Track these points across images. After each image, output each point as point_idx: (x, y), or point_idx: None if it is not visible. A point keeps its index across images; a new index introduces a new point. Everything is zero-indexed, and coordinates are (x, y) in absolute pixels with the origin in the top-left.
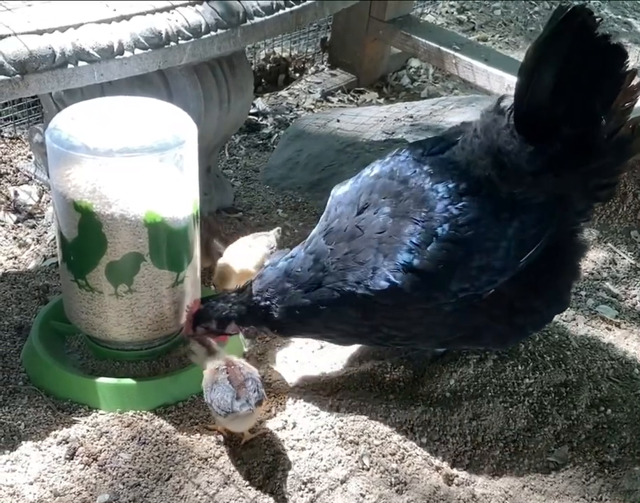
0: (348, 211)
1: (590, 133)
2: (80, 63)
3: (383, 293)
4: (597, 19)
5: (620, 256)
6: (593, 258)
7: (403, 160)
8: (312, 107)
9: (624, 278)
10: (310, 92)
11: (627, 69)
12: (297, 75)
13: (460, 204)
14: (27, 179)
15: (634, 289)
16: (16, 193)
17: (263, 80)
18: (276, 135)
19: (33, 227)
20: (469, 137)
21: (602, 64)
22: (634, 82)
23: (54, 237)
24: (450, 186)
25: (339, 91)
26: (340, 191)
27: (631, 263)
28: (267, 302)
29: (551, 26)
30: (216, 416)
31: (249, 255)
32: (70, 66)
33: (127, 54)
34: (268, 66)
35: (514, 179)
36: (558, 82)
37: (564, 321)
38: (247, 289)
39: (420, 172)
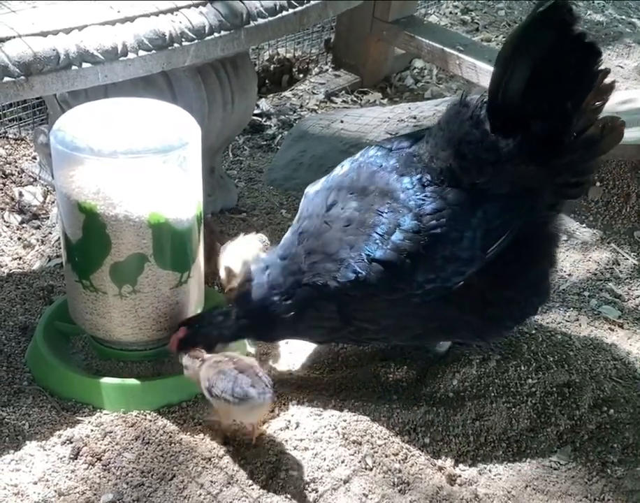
0: (318, 209)
1: (560, 130)
2: (84, 65)
3: (350, 285)
4: (576, 16)
5: (623, 256)
6: (596, 259)
7: (371, 156)
8: (316, 107)
9: (627, 279)
10: (314, 93)
11: (600, 68)
12: (301, 75)
13: (422, 195)
14: (32, 180)
15: (637, 290)
16: (21, 194)
17: (266, 81)
18: (280, 135)
19: (38, 228)
20: (433, 131)
21: (577, 61)
22: (606, 81)
23: (59, 238)
24: (413, 178)
25: (343, 91)
26: (312, 190)
27: (634, 264)
28: (255, 321)
29: (530, 18)
30: (228, 407)
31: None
32: (74, 67)
33: (131, 55)
34: (272, 66)
35: (475, 170)
36: (532, 75)
37: (567, 321)
38: (232, 312)
39: (386, 166)
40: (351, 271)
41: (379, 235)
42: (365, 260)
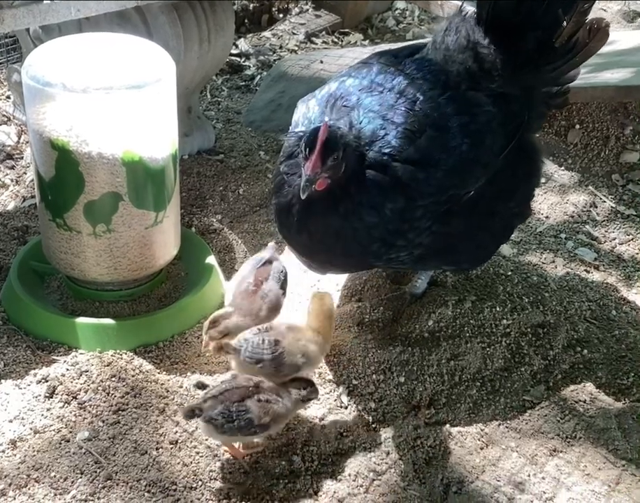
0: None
1: (553, 34)
2: None
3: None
4: None
5: (600, 199)
6: (574, 201)
7: (374, 63)
8: (296, 48)
9: (604, 221)
10: (294, 33)
11: None
12: (281, 15)
13: (445, 95)
14: (5, 119)
15: (613, 232)
16: None
17: (245, 21)
18: (259, 76)
19: (12, 168)
20: (439, 38)
21: None
22: None
23: (33, 179)
24: (432, 79)
25: (324, 32)
26: (309, 103)
27: (611, 206)
28: None
29: None
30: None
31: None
32: (46, 1)
33: None
34: (251, 5)
35: (495, 71)
36: None
37: (543, 263)
38: None
39: (396, 71)
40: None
41: (407, 130)
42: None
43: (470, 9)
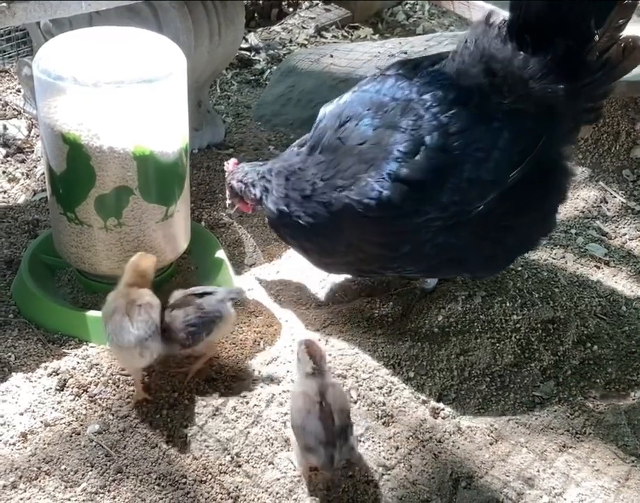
0: (331, 124)
1: (583, 47)
2: None
3: (370, 206)
4: None
5: (611, 194)
6: (584, 197)
7: (391, 75)
8: (306, 42)
9: (614, 217)
10: (304, 27)
11: None
12: (291, 9)
13: (449, 113)
14: (16, 113)
15: (623, 228)
16: (5, 128)
17: (255, 15)
18: (268, 70)
19: (23, 161)
20: (459, 49)
21: None
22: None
23: (44, 172)
24: (439, 95)
25: (334, 26)
26: (327, 109)
27: (622, 202)
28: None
29: None
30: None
31: None
32: None
33: None
34: (261, 0)
35: (506, 87)
36: None
37: (553, 258)
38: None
39: (408, 84)
40: (370, 190)
41: (403, 153)
42: (387, 180)
43: (497, 17)
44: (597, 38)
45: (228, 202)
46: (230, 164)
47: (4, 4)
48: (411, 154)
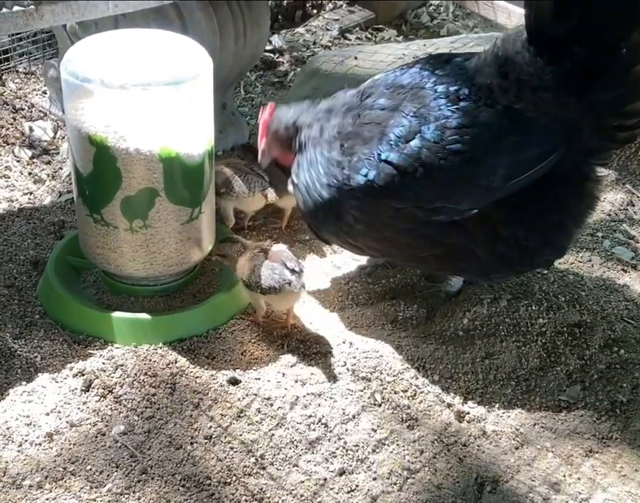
0: (352, 97)
1: (604, 59)
2: None
3: (358, 183)
4: None
5: (638, 197)
6: (611, 200)
7: (420, 62)
8: (329, 44)
9: None
10: (328, 29)
11: None
12: (315, 11)
13: (453, 107)
14: (42, 114)
15: None
16: (31, 129)
17: (279, 16)
18: (292, 72)
19: (49, 163)
20: (490, 48)
21: None
22: None
23: (69, 173)
24: (450, 88)
25: (357, 28)
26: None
27: None
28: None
29: None
30: (268, 297)
31: None
32: None
33: None
34: (285, 2)
35: (513, 92)
36: None
37: (579, 261)
38: None
39: (428, 73)
40: (360, 167)
41: (397, 136)
42: (376, 160)
43: None
44: (619, 50)
45: (262, 149)
46: (267, 109)
47: (32, 6)
48: (403, 139)
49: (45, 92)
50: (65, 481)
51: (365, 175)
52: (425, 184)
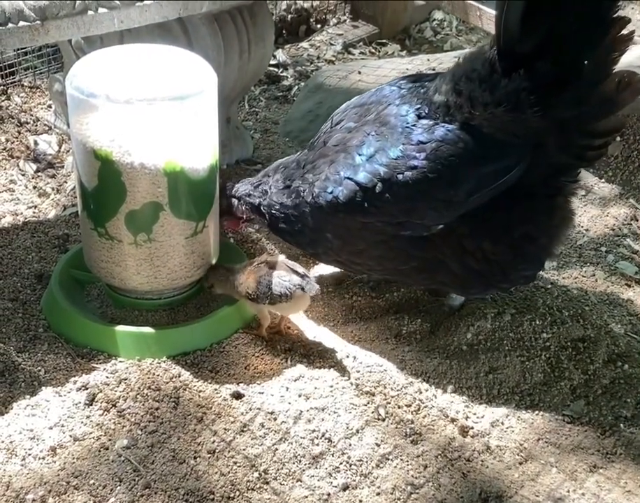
0: (326, 126)
1: (569, 75)
2: (100, 10)
3: (324, 200)
4: None
5: None
6: (614, 214)
7: (391, 83)
8: (333, 59)
9: None
10: (331, 44)
11: (616, 15)
12: (319, 26)
13: (414, 125)
14: (47, 128)
15: None
16: (36, 143)
17: (283, 31)
18: (296, 87)
19: (53, 176)
20: (453, 66)
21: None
22: (624, 31)
23: (74, 187)
24: (412, 107)
25: (361, 43)
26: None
27: None
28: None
29: None
30: (275, 304)
31: None
32: (90, 12)
33: (147, 1)
34: (289, 16)
35: (467, 109)
36: (530, 11)
37: (583, 276)
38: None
39: (396, 93)
40: (326, 185)
41: (359, 155)
42: (340, 178)
43: None
44: (587, 67)
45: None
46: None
47: (38, 22)
48: (366, 157)
49: (50, 106)
50: (68, 495)
51: (331, 193)
52: (386, 199)
